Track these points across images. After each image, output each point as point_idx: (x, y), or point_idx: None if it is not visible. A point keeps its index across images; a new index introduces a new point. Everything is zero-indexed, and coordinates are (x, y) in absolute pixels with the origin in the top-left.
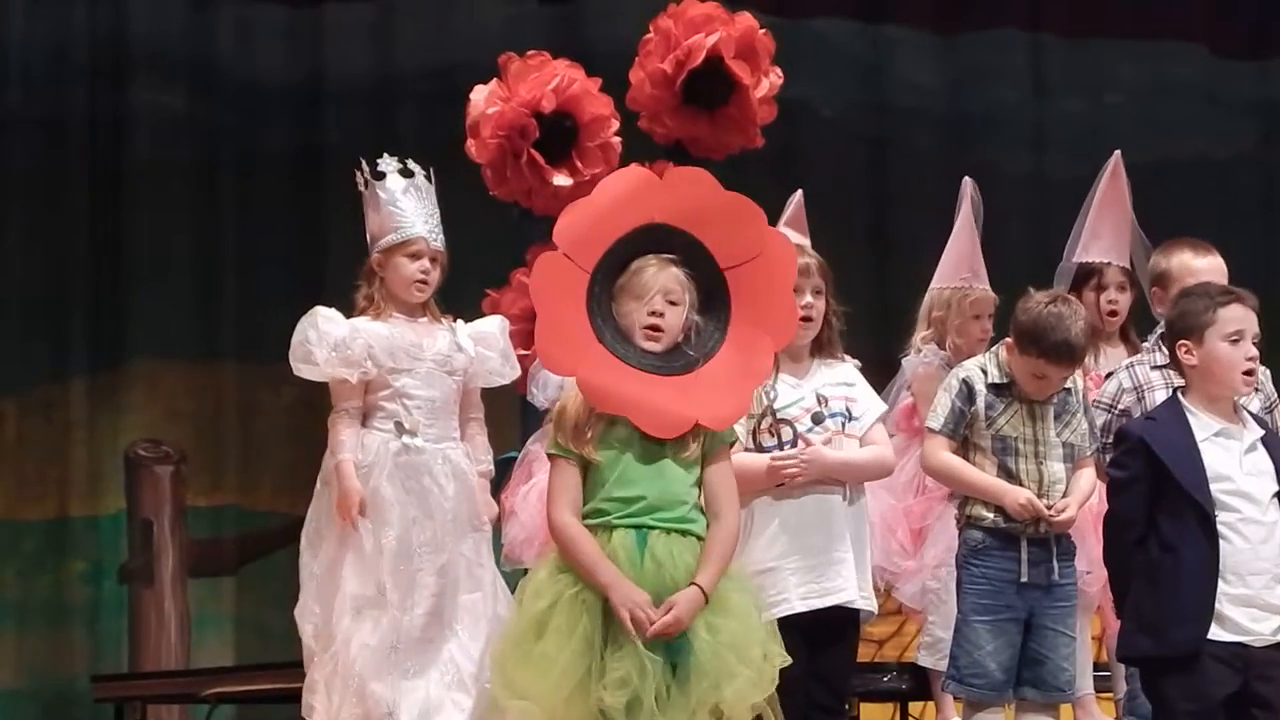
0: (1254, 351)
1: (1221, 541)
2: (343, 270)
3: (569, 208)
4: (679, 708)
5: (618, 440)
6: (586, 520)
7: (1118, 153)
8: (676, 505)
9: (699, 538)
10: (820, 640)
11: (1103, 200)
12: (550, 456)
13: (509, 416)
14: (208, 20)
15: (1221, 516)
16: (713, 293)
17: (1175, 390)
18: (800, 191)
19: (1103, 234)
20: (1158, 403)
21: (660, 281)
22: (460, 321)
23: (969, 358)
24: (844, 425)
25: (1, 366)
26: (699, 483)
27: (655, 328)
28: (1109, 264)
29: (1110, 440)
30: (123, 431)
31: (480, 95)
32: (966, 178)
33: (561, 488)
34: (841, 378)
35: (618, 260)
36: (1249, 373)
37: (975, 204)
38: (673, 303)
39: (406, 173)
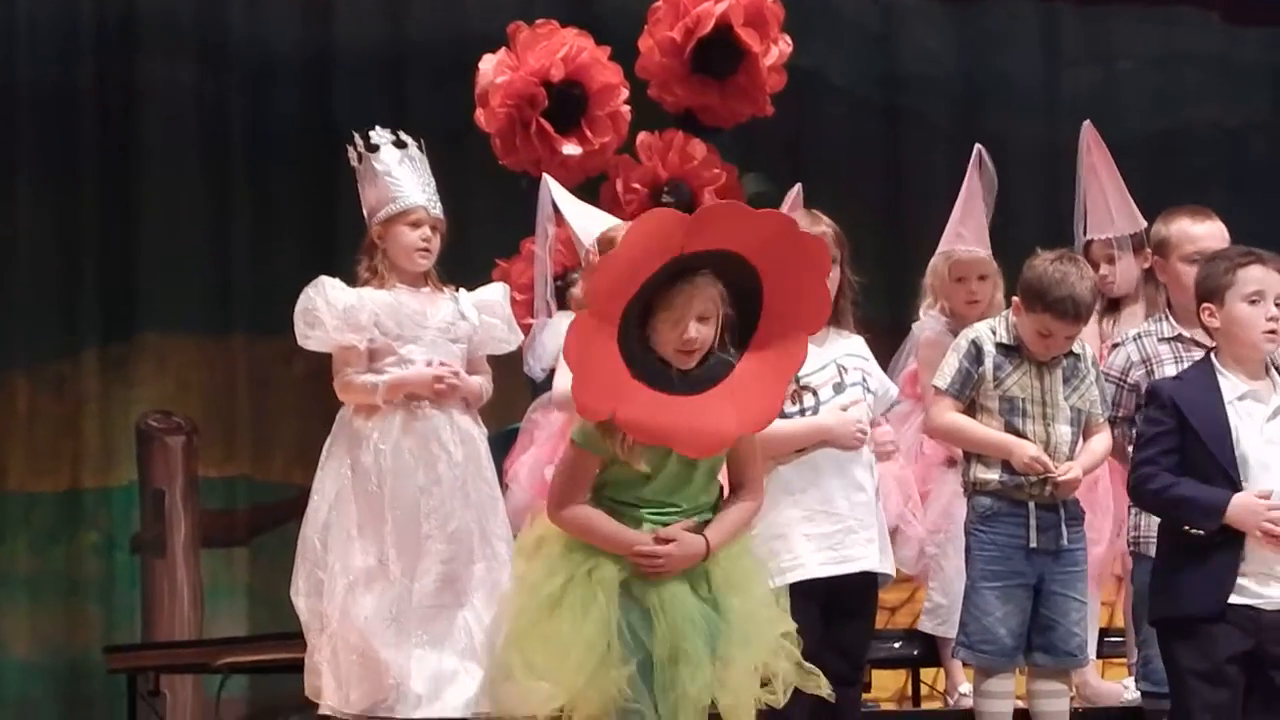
0: (1275, 311)
1: None
2: (353, 243)
3: (597, 269)
4: (713, 674)
5: (659, 452)
6: (615, 502)
7: (1087, 123)
8: (704, 512)
9: None
10: (838, 608)
11: (1087, 173)
12: (573, 445)
13: (518, 387)
14: None
15: None
16: (744, 290)
17: (1209, 351)
18: (799, 185)
19: (1091, 209)
20: (1167, 376)
21: (694, 305)
22: (463, 290)
23: (964, 322)
24: (864, 394)
25: (12, 340)
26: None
27: (689, 349)
28: (1089, 240)
29: (1120, 414)
30: (134, 403)
31: (489, 64)
32: (978, 145)
33: (580, 477)
34: (856, 349)
35: (647, 291)
36: (1272, 333)
37: (988, 172)
38: (704, 319)
39: (400, 144)
